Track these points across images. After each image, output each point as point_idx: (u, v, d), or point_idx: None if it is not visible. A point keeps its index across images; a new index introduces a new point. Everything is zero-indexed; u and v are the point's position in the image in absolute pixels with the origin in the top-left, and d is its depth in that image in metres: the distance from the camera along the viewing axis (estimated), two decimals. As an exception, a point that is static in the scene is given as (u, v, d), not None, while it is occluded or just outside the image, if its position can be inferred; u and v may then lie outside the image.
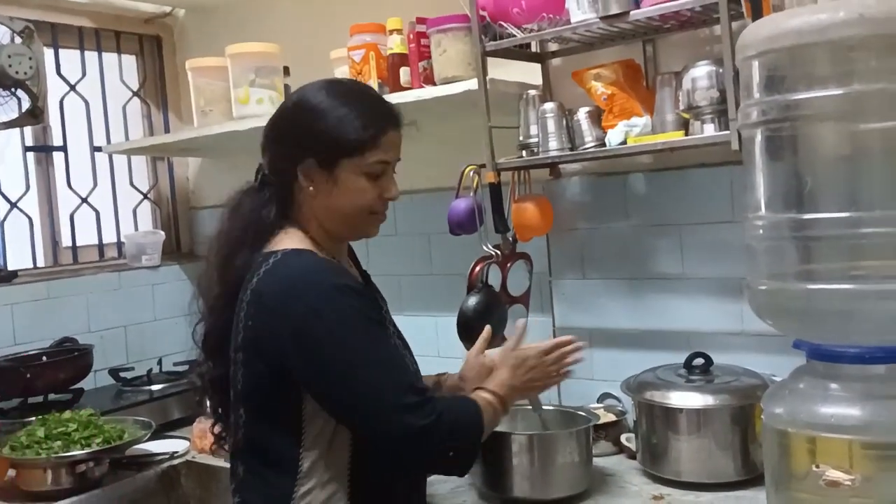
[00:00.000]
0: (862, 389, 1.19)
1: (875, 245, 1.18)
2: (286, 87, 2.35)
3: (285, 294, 1.25)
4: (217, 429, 1.46)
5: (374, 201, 1.34)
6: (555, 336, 2.10)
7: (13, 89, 2.26)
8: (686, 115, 1.59)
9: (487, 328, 1.61)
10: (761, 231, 1.25)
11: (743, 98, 1.30)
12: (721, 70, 1.54)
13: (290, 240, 1.34)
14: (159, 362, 2.53)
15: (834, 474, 1.17)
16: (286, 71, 2.34)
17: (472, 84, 1.82)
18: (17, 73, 2.22)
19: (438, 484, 1.72)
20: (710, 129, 1.56)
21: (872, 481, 1.16)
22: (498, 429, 1.59)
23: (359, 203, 1.33)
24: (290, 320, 1.24)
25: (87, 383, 2.39)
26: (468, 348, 2.00)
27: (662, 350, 1.89)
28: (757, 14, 1.46)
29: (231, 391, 1.35)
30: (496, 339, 1.96)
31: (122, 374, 2.48)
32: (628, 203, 1.97)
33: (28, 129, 2.54)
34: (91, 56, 2.76)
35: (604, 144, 1.72)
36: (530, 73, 1.99)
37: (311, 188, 1.32)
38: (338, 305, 1.23)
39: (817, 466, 1.18)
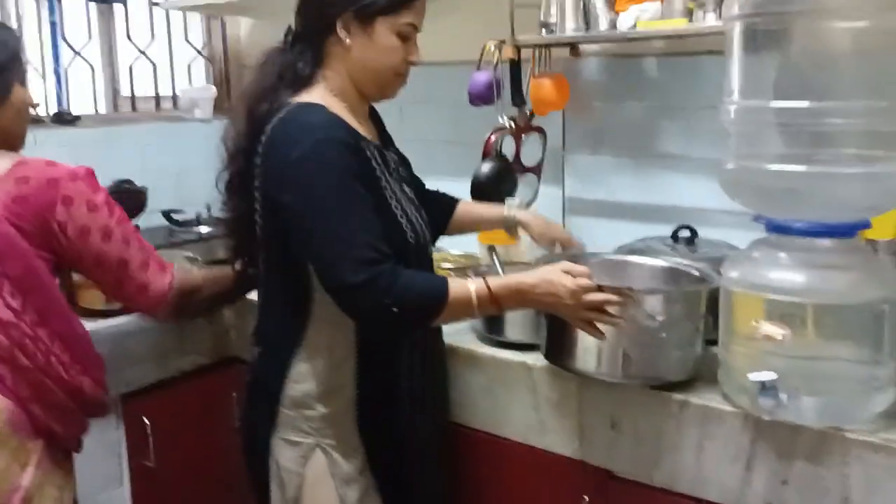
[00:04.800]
0: (806, 259, 1.35)
1: (833, 133, 1.30)
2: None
3: (284, 140, 1.36)
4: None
5: (401, 63, 1.45)
6: (564, 207, 2.29)
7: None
8: (691, 5, 1.68)
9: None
10: (732, 115, 1.38)
11: (733, -10, 1.39)
12: (729, -40, 1.61)
13: (313, 94, 1.44)
14: (208, 207, 2.69)
15: (768, 329, 1.32)
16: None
17: (500, -40, 1.90)
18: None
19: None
20: (711, 19, 1.64)
21: (805, 340, 1.32)
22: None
23: (388, 62, 1.44)
24: (284, 165, 1.35)
25: (141, 222, 2.61)
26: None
27: (659, 223, 2.03)
28: None
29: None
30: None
31: (174, 216, 2.70)
32: (642, 85, 2.08)
33: (91, -19, 2.69)
34: (150, -89, 2.84)
35: (616, 27, 1.82)
36: (559, -48, 2.05)
37: (347, 41, 1.42)
38: (323, 156, 1.33)
39: (756, 322, 1.35)
